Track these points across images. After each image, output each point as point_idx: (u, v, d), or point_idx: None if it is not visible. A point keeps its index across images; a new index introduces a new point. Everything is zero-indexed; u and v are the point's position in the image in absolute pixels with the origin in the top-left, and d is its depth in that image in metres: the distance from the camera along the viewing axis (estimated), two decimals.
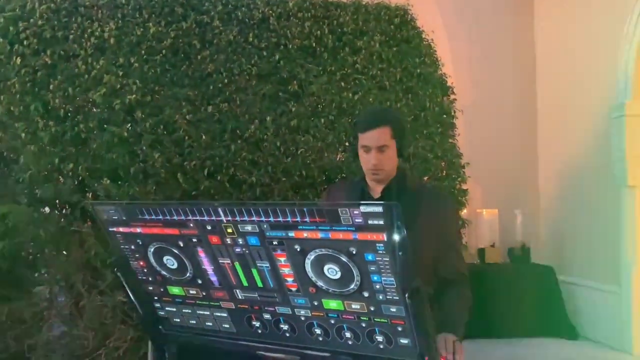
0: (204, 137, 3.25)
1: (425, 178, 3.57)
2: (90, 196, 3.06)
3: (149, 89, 3.30)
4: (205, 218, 1.61)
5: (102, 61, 3.30)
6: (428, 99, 3.72)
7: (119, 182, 3.12)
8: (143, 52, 3.40)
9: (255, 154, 3.32)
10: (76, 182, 3.09)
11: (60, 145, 3.10)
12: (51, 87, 3.21)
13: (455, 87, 4.41)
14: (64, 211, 3.05)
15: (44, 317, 3.15)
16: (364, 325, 1.58)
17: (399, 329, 1.54)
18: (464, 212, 3.85)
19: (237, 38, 3.55)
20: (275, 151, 3.34)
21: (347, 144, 3.52)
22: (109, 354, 3.17)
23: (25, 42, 3.34)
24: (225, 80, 3.43)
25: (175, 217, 1.67)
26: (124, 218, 1.76)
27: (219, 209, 1.56)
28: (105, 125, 3.17)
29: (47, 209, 3.19)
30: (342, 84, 3.57)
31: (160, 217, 1.71)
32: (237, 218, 1.56)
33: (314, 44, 3.63)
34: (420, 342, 1.53)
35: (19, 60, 3.25)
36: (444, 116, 3.81)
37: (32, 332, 3.20)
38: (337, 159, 3.42)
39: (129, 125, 3.20)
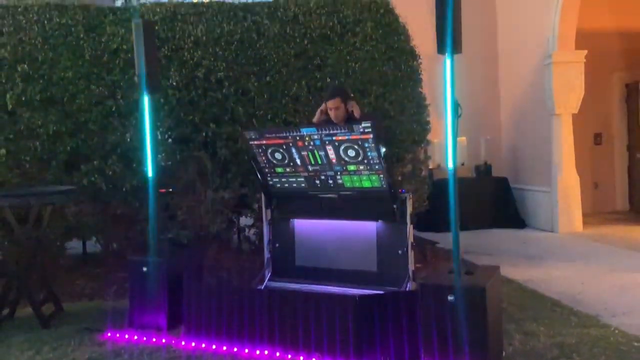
0: (265, 96, 5.37)
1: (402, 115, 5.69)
2: (203, 135, 5.21)
3: (230, 67, 5.39)
4: (296, 134, 3.75)
5: (199, 51, 5.37)
6: (403, 64, 5.76)
7: (218, 126, 5.26)
8: (223, 43, 5.45)
9: (297, 105, 5.44)
10: (193, 127, 5.23)
11: (183, 105, 5.22)
12: (171, 70, 5.29)
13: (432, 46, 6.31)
14: (190, 144, 5.20)
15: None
16: (364, 176, 3.73)
17: (381, 176, 3.68)
18: (428, 135, 5.96)
19: (279, 31, 5.58)
20: (309, 102, 5.45)
21: (352, 95, 5.60)
22: (217, 227, 5.38)
23: None
24: (275, 59, 5.49)
25: (282, 134, 3.80)
26: (257, 136, 3.90)
27: (302, 130, 3.70)
28: (207, 92, 5.29)
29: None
30: (347, 57, 5.61)
31: (274, 135, 3.84)
32: (310, 133, 3.69)
33: (328, 32, 5.65)
34: (388, 181, 3.68)
35: None
36: (414, 74, 5.84)
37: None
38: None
39: (221, 91, 5.31)
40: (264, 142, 3.88)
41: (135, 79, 4.08)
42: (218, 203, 5.32)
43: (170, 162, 5.28)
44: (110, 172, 4.99)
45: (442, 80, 3.00)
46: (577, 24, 7.44)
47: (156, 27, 5.43)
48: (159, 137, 5.44)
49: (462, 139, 8.58)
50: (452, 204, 2.92)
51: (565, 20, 7.37)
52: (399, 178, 6.02)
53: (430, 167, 7.89)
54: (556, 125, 7.59)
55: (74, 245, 6.64)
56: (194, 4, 5.63)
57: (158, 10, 5.52)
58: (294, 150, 3.82)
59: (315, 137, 3.68)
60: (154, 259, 3.88)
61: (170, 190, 5.26)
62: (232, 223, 5.81)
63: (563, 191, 7.54)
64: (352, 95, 4.50)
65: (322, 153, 3.75)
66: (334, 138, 3.63)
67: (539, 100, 7.84)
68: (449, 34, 2.94)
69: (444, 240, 6.77)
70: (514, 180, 8.51)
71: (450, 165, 2.91)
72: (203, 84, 5.31)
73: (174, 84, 5.25)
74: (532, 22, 8.01)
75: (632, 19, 8.65)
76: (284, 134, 3.79)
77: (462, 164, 8.58)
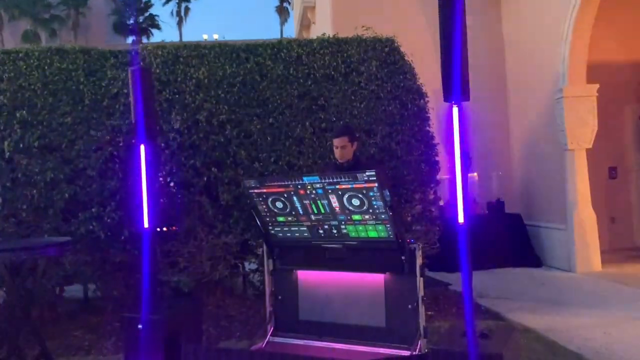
0: (269, 138, 5.23)
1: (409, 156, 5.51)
2: (204, 179, 5.06)
3: (232, 110, 5.27)
4: (297, 182, 3.56)
5: (201, 94, 5.26)
6: (409, 102, 5.61)
7: (220, 170, 5.11)
8: (225, 86, 5.35)
9: (301, 147, 5.29)
10: (194, 171, 5.09)
11: (184, 149, 5.09)
12: (172, 113, 5.18)
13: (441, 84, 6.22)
14: (191, 189, 5.04)
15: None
16: (370, 225, 3.52)
17: (388, 226, 3.47)
18: (438, 175, 5.77)
19: (282, 72, 5.48)
20: (312, 144, 5.30)
21: (358, 136, 5.45)
22: (219, 275, 5.19)
23: None
24: (278, 100, 5.37)
25: (282, 183, 3.63)
26: (258, 185, 3.72)
27: (304, 178, 3.52)
28: (208, 135, 5.15)
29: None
30: (352, 97, 5.48)
31: (275, 183, 3.66)
32: (312, 181, 3.51)
33: (332, 72, 5.54)
34: (396, 231, 3.47)
35: None
36: (422, 113, 5.69)
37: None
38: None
39: (223, 134, 5.17)
40: (265, 190, 3.70)
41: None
42: (220, 249, 5.14)
43: (170, 208, 5.11)
44: (109, 220, 4.83)
45: (449, 127, 2.82)
46: (588, 57, 7.29)
47: (157, 71, 5.37)
48: (162, 181, 5.31)
49: (473, 175, 8.38)
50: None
51: (575, 54, 7.23)
52: (409, 219, 5.81)
53: (441, 204, 7.67)
54: (570, 160, 7.37)
55: (75, 289, 6.48)
56: (196, 46, 5.56)
57: (159, 53, 5.46)
58: (295, 199, 3.64)
59: (318, 185, 3.49)
60: (149, 316, 3.67)
61: (174, 228, 5.10)
62: (236, 268, 5.62)
63: (579, 228, 7.27)
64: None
65: (325, 202, 3.56)
66: (337, 187, 3.44)
67: (551, 135, 7.64)
68: (456, 81, 2.77)
69: (456, 281, 6.51)
70: (528, 217, 8.24)
71: (461, 219, 2.71)
72: (205, 128, 5.19)
73: (175, 127, 5.13)
74: (541, 56, 7.87)
75: None
76: (285, 183, 3.61)
77: (474, 201, 8.35)
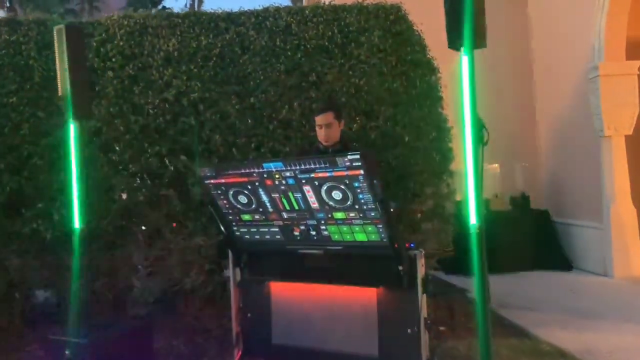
0: (249, 121, 4.42)
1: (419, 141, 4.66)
2: (172, 170, 4.27)
3: (206, 88, 4.47)
4: (263, 170, 2.76)
5: (170, 69, 4.48)
6: (418, 79, 4.74)
7: (191, 158, 4.32)
8: (199, 60, 4.56)
9: (287, 131, 4.47)
10: (160, 159, 4.30)
11: (147, 134, 4.30)
12: (136, 91, 4.40)
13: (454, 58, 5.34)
14: (156, 181, 4.26)
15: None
16: (356, 226, 2.71)
17: (379, 226, 2.66)
18: (451, 165, 4.91)
19: (267, 43, 4.66)
20: (301, 128, 4.47)
21: (357, 118, 4.61)
22: (192, 282, 4.40)
23: (113, 59, 4.54)
24: (262, 77, 4.56)
25: (244, 171, 2.83)
26: (214, 174, 2.93)
27: (271, 164, 2.71)
28: (177, 117, 4.36)
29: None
30: (350, 72, 4.64)
31: (235, 171, 2.87)
32: (281, 168, 2.70)
33: (326, 43, 4.70)
34: (390, 233, 2.65)
35: (111, 73, 4.45)
36: (433, 92, 4.82)
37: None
38: (351, 130, 4.51)
39: (195, 116, 4.38)
40: (223, 180, 2.91)
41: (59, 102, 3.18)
42: (192, 252, 4.36)
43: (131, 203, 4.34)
44: (57, 217, 4.08)
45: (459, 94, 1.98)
46: (628, 31, 6.34)
47: (121, 43, 4.61)
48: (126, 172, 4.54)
49: (495, 167, 7.48)
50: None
51: (612, 27, 6.28)
52: (418, 216, 4.97)
53: (458, 199, 6.82)
54: (606, 148, 6.45)
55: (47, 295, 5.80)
56: (168, 15, 4.78)
57: (125, 23, 4.68)
58: (261, 192, 2.83)
59: (288, 174, 2.68)
60: (77, 340, 2.91)
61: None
62: (213, 275, 4.83)
63: (617, 226, 6.34)
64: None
65: (298, 195, 2.74)
66: (312, 175, 2.62)
67: (584, 121, 6.71)
68: (466, 23, 1.92)
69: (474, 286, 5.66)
70: (557, 214, 7.32)
71: (473, 220, 1.87)
72: (173, 108, 4.40)
73: (138, 108, 4.35)
74: (572, 29, 6.93)
75: None
76: (248, 171, 2.80)
77: (496, 196, 7.46)
